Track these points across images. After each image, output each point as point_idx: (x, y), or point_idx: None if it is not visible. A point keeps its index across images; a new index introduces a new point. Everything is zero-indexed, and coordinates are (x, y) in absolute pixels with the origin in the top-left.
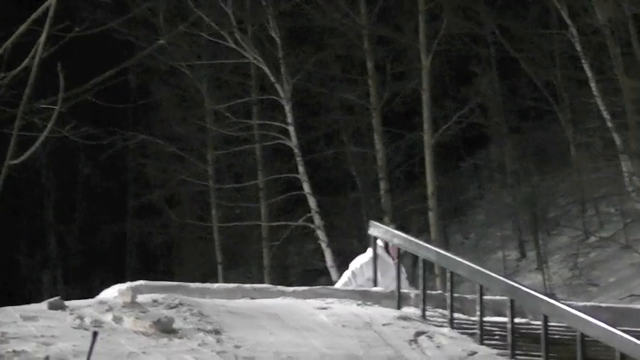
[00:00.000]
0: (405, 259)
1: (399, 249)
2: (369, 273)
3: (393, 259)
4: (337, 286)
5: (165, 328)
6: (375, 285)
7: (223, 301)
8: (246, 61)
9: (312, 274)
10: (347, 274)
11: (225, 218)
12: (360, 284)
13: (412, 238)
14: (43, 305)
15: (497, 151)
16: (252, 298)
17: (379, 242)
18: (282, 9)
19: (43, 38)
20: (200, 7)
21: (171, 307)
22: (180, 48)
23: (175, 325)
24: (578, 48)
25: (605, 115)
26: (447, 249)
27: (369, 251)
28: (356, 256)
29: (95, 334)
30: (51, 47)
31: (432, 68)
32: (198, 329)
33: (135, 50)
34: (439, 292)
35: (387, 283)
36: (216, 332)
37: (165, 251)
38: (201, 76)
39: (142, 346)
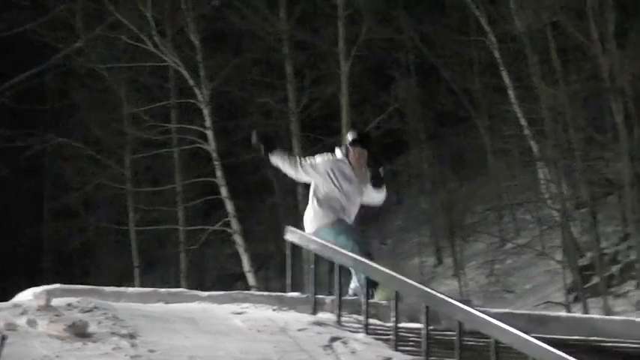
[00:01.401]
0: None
1: (367, 158)
2: (323, 171)
3: (354, 168)
4: (284, 162)
5: (80, 332)
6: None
7: (138, 305)
8: (165, 65)
9: (228, 279)
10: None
11: (142, 222)
12: (307, 174)
13: (328, 244)
14: None
15: (416, 156)
16: (168, 302)
17: (338, 151)
18: (201, 12)
19: None
20: (119, 9)
21: (86, 311)
22: (98, 50)
23: (90, 329)
24: (497, 55)
25: (523, 122)
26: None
27: (338, 151)
28: (272, 261)
29: (4, 337)
30: None
31: (350, 73)
32: (113, 333)
33: (53, 52)
34: (355, 297)
35: (348, 203)
36: (131, 336)
37: (82, 254)
38: (119, 79)
39: (55, 350)
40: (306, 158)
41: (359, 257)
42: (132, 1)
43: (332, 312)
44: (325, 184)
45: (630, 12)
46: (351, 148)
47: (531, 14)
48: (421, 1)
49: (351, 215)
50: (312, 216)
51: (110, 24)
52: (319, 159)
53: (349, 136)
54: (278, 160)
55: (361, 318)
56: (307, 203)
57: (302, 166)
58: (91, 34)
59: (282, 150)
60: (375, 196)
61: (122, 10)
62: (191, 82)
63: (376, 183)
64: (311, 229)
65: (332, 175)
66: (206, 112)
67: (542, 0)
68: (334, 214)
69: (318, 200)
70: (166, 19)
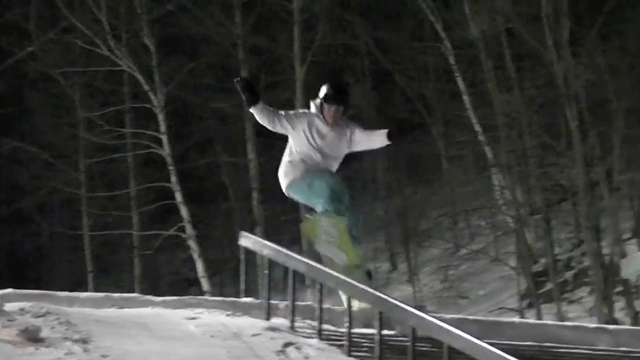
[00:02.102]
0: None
1: (342, 115)
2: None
3: (329, 124)
4: (263, 116)
5: (32, 337)
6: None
7: (91, 310)
8: (120, 69)
9: (182, 284)
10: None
11: (96, 227)
12: (283, 128)
13: (282, 249)
14: None
15: (370, 162)
16: (121, 308)
17: (312, 105)
18: (156, 17)
19: None
20: (74, 13)
21: (39, 316)
22: (52, 54)
23: (42, 334)
24: (452, 61)
25: (477, 128)
26: (318, 260)
27: (312, 106)
28: (227, 266)
29: None
30: None
31: (305, 78)
32: (66, 338)
33: (6, 56)
34: (308, 303)
35: (322, 161)
36: (84, 341)
37: (36, 259)
38: (74, 83)
39: (7, 354)
40: (285, 113)
41: (312, 262)
42: (86, 5)
43: (286, 317)
44: (299, 140)
45: (585, 19)
46: (325, 105)
47: (486, 20)
48: (376, 7)
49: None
50: (284, 170)
51: (64, 28)
52: (296, 115)
53: (323, 91)
54: (258, 113)
55: (315, 323)
56: (261, 209)
57: (279, 121)
58: (45, 38)
59: (264, 103)
60: (377, 143)
61: (77, 14)
62: (146, 87)
63: (392, 134)
64: (285, 184)
65: (307, 133)
66: (161, 117)
67: (497, 6)
68: (305, 167)
69: (291, 154)
70: (121, 23)
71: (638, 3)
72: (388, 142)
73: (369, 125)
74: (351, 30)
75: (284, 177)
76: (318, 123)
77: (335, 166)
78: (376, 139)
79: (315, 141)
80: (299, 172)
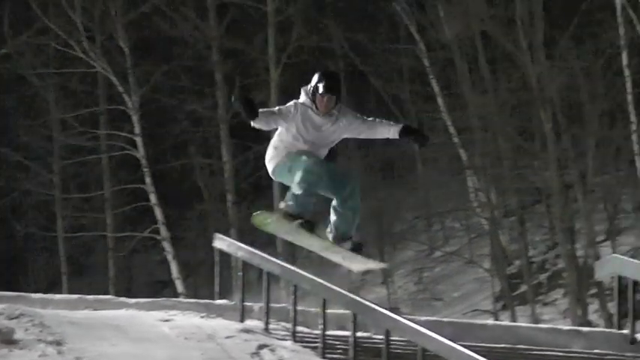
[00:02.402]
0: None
1: (334, 104)
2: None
3: (322, 113)
4: (263, 124)
5: (6, 339)
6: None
7: (65, 312)
8: (94, 71)
9: (157, 286)
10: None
11: (70, 228)
12: (280, 126)
13: (257, 251)
14: None
15: (344, 163)
16: (95, 309)
17: (303, 94)
18: (130, 19)
19: None
20: (48, 15)
21: (12, 318)
22: (26, 56)
23: (16, 336)
24: (426, 63)
25: (452, 130)
26: (293, 262)
27: (303, 95)
28: (201, 268)
29: None
30: None
31: (280, 80)
32: (40, 340)
33: None
34: (283, 305)
35: (313, 148)
36: (58, 343)
37: (10, 261)
38: (48, 85)
39: None
40: (279, 111)
41: (287, 264)
42: (61, 7)
43: (260, 319)
44: (290, 131)
45: (559, 22)
46: (318, 95)
47: (461, 23)
48: (351, 9)
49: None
50: (270, 155)
51: (39, 29)
52: (289, 111)
53: (314, 80)
54: (258, 124)
55: (289, 325)
56: (235, 211)
57: (275, 122)
58: (19, 40)
59: (262, 112)
60: (382, 134)
61: (51, 15)
62: (120, 89)
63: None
64: (270, 168)
65: (300, 127)
66: (135, 118)
67: (472, 9)
68: (288, 152)
69: (279, 141)
70: (95, 25)
71: (611, 6)
72: (396, 137)
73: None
74: (325, 32)
75: (269, 161)
76: (311, 114)
77: (324, 152)
78: (381, 131)
79: (307, 134)
80: (283, 155)
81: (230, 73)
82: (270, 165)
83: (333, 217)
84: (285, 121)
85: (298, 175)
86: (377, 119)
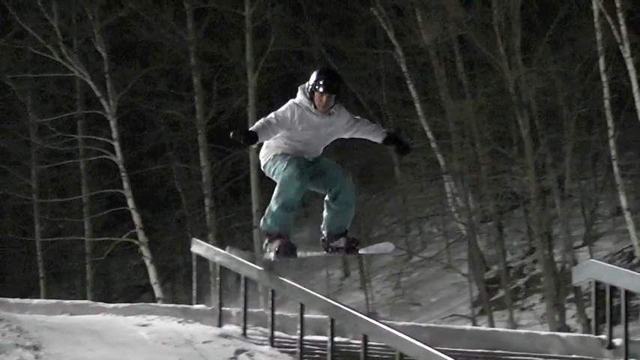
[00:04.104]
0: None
1: (333, 102)
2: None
3: (320, 112)
4: (263, 139)
5: None
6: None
7: (43, 317)
8: (72, 75)
9: (135, 291)
10: (271, 115)
11: (48, 233)
12: (278, 125)
13: (234, 256)
14: None
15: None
16: (73, 314)
17: (301, 93)
18: (108, 23)
19: None
20: (25, 19)
21: None
22: (3, 60)
23: None
24: (404, 68)
25: (429, 135)
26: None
27: (301, 95)
28: (179, 273)
29: None
30: None
31: (258, 85)
32: (17, 345)
33: None
34: (261, 310)
35: (308, 145)
36: (35, 348)
37: None
38: (25, 89)
39: None
40: (276, 119)
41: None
42: (38, 11)
43: (238, 324)
44: (287, 132)
45: (536, 27)
46: (317, 93)
47: (438, 28)
48: (329, 14)
49: (308, 154)
50: (265, 152)
51: (16, 33)
52: (285, 116)
53: (314, 78)
54: (264, 139)
55: (267, 330)
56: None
57: (274, 132)
58: None
59: (259, 130)
60: (373, 138)
61: (28, 19)
62: (98, 93)
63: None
64: (262, 163)
65: (297, 128)
66: (113, 123)
67: (449, 14)
68: (282, 150)
69: (274, 139)
70: (73, 29)
71: (589, 11)
72: (379, 142)
73: None
74: (303, 37)
75: (264, 158)
76: (309, 115)
77: (319, 150)
78: (373, 134)
79: (303, 134)
80: (274, 155)
81: (208, 78)
82: (263, 160)
83: (325, 213)
84: (283, 128)
85: (277, 189)
86: (366, 121)
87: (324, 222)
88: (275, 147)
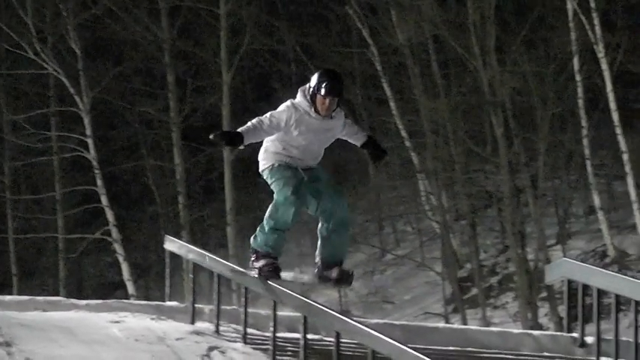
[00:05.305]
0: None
1: (337, 104)
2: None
3: (321, 115)
4: (252, 135)
5: None
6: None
7: (15, 314)
8: (46, 72)
9: (108, 288)
10: (266, 115)
11: (21, 230)
12: (271, 134)
13: (208, 253)
14: None
15: None
16: (45, 311)
17: (301, 97)
18: (82, 20)
19: None
20: None
21: None
22: None
23: None
24: (378, 67)
25: (404, 134)
26: (244, 265)
27: (301, 98)
28: (152, 270)
29: None
30: None
31: (232, 83)
32: None
33: None
34: (234, 307)
35: (306, 150)
36: (7, 345)
37: None
38: None
39: None
40: (269, 121)
41: (237, 267)
42: (12, 7)
43: (211, 321)
44: (283, 136)
45: (511, 27)
46: (319, 96)
47: (413, 27)
48: (303, 13)
49: (307, 162)
50: (263, 156)
51: None
52: (280, 118)
53: (315, 80)
54: (249, 142)
55: (240, 328)
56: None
57: (266, 133)
58: None
59: (247, 132)
60: (356, 142)
61: (1, 16)
62: (72, 90)
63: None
64: (260, 167)
65: (293, 132)
66: (87, 120)
67: (424, 13)
68: (279, 159)
69: (273, 143)
70: (47, 26)
71: (563, 11)
72: (359, 145)
73: None
74: (278, 35)
75: (262, 163)
76: (308, 119)
77: (317, 155)
78: (355, 136)
79: (300, 140)
80: (271, 163)
81: (182, 76)
82: (261, 164)
83: (319, 243)
84: (276, 131)
85: (271, 209)
86: (351, 121)
87: (317, 249)
88: (273, 153)
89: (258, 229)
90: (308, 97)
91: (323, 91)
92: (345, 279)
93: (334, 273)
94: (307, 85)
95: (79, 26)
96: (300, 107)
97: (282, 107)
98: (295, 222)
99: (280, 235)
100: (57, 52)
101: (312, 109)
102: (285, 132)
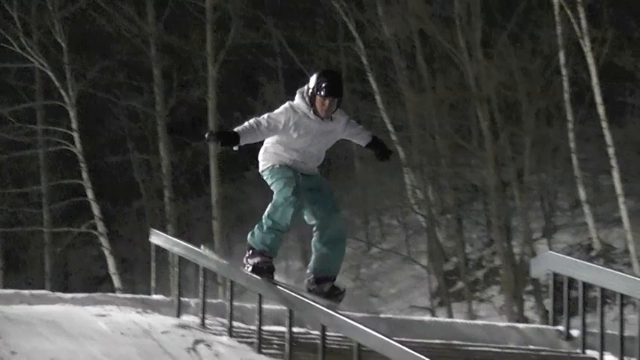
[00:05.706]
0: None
1: (336, 106)
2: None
3: (321, 117)
4: (248, 136)
5: None
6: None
7: (1, 307)
8: (31, 66)
9: (94, 281)
10: (263, 116)
11: (6, 223)
12: (268, 136)
13: (193, 247)
14: None
15: None
16: (30, 305)
17: (300, 98)
18: (67, 14)
19: None
20: None
21: None
22: None
23: None
24: (364, 61)
25: (389, 128)
26: (230, 258)
27: (300, 100)
28: (139, 264)
29: None
30: None
31: (218, 77)
32: None
33: None
34: (219, 300)
35: (305, 153)
36: None
37: None
38: None
39: None
40: (267, 122)
41: (223, 260)
42: None
43: (196, 315)
44: (283, 138)
45: (497, 21)
46: (319, 97)
47: (399, 21)
48: (290, 7)
49: (308, 165)
50: (264, 156)
51: None
52: (278, 120)
53: (314, 81)
54: (245, 142)
55: (225, 321)
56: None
57: (262, 135)
58: None
59: (243, 133)
60: (360, 142)
61: None
62: (57, 84)
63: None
64: (260, 167)
65: (292, 135)
66: (72, 114)
67: (410, 7)
68: (280, 160)
69: (273, 144)
70: (33, 19)
71: (549, 5)
72: (364, 145)
73: None
74: (264, 29)
75: (262, 163)
76: (307, 122)
77: (318, 158)
78: (358, 137)
79: (299, 143)
80: (272, 164)
81: (168, 70)
82: (261, 164)
83: (313, 256)
84: (274, 133)
85: (270, 208)
86: (354, 122)
87: (311, 262)
88: (273, 154)
89: (256, 226)
90: (307, 99)
91: (323, 92)
92: (336, 295)
93: (326, 288)
94: (305, 87)
95: (64, 19)
96: (299, 109)
97: (280, 109)
98: (292, 223)
99: (278, 235)
100: (42, 45)
101: (312, 111)
102: (283, 135)
